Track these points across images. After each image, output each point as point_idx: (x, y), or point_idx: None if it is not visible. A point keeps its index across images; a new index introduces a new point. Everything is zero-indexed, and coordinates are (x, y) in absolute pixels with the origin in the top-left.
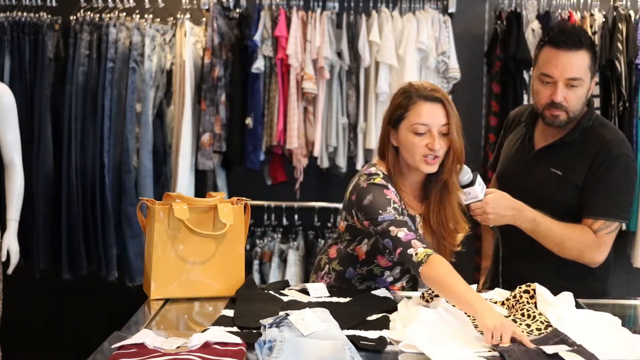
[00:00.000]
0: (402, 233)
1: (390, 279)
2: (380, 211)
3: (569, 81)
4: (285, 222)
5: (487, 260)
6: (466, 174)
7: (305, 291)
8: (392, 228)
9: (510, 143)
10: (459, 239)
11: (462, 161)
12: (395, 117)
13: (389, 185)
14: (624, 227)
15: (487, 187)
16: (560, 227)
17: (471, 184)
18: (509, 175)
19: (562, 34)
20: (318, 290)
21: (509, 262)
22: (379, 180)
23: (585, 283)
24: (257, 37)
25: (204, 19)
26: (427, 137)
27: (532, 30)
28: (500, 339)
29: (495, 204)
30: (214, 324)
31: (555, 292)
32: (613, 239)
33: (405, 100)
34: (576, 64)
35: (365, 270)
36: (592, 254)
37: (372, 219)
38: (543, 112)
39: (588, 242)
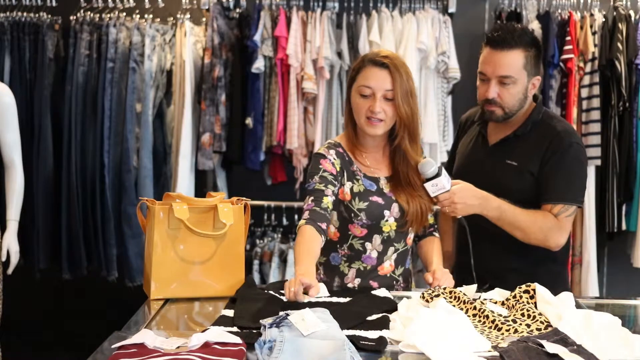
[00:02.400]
0: (306, 203)
1: (374, 253)
2: (309, 180)
3: (501, 79)
4: (285, 222)
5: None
6: (431, 166)
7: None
8: (307, 197)
9: (465, 143)
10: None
11: (411, 128)
12: (350, 79)
13: (330, 153)
14: (623, 227)
15: None
16: (524, 214)
17: (437, 175)
18: (467, 173)
19: (495, 34)
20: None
21: (476, 252)
22: (322, 149)
23: (547, 267)
24: (257, 37)
25: (204, 19)
26: (370, 100)
27: (532, 30)
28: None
29: (463, 194)
30: (214, 324)
31: (520, 279)
32: (571, 222)
33: (359, 63)
34: (507, 62)
35: (346, 248)
36: (555, 237)
37: (304, 188)
38: (482, 107)
39: (550, 225)
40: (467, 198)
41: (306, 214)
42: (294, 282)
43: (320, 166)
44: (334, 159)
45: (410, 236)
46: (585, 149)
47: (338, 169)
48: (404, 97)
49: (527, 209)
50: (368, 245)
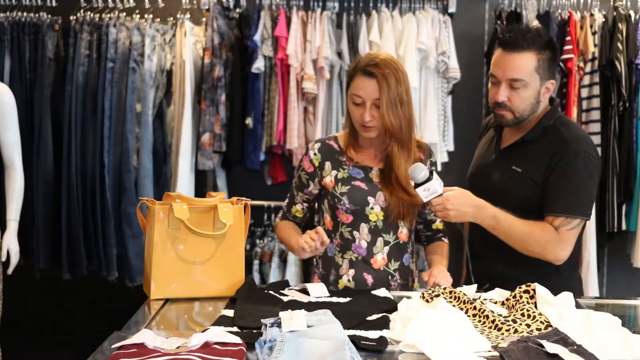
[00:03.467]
0: (286, 201)
1: (364, 243)
2: (294, 174)
3: (511, 82)
4: None
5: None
6: (422, 171)
7: (305, 291)
8: (288, 194)
9: (481, 145)
10: (414, 196)
11: (399, 135)
12: (346, 84)
13: (314, 147)
14: (624, 227)
15: None
16: (521, 224)
17: (428, 179)
18: (477, 175)
19: (507, 35)
20: (318, 290)
21: (476, 260)
22: (311, 143)
23: (549, 281)
24: (257, 37)
25: (204, 19)
26: (362, 108)
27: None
28: None
29: (456, 201)
30: (214, 324)
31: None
32: (576, 236)
33: (352, 70)
34: (518, 65)
35: (338, 237)
36: (554, 251)
37: None
38: (493, 111)
39: (549, 238)
40: (461, 205)
41: (280, 214)
42: (309, 237)
43: (301, 164)
44: (315, 153)
45: (403, 231)
46: (597, 159)
47: (317, 165)
48: (389, 106)
49: (526, 220)
50: (356, 234)
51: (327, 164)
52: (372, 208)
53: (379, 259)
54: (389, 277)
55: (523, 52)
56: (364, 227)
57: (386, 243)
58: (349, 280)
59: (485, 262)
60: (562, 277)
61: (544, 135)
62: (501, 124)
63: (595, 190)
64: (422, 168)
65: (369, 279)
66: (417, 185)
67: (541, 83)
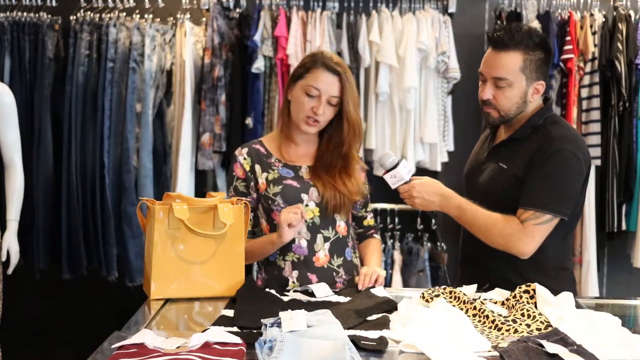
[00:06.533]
0: None
1: (303, 242)
2: (229, 187)
3: (496, 81)
4: None
5: None
6: (389, 157)
7: (308, 293)
8: None
9: (477, 144)
10: (354, 192)
11: (360, 135)
12: (297, 74)
13: (242, 152)
14: (623, 227)
15: None
16: (485, 215)
17: (395, 166)
18: (470, 173)
19: (495, 35)
20: (321, 290)
21: (465, 258)
22: (238, 149)
23: (534, 281)
24: (257, 37)
25: (204, 19)
26: (315, 101)
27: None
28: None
29: (422, 189)
30: (214, 324)
31: (504, 287)
32: (544, 232)
33: (310, 62)
34: (502, 64)
35: None
36: (517, 244)
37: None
38: (482, 109)
39: (512, 231)
40: (426, 193)
41: None
42: (291, 212)
43: (234, 173)
44: (244, 158)
45: (341, 225)
46: (583, 159)
47: (248, 169)
48: (355, 105)
49: (491, 212)
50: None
51: (257, 167)
52: (307, 205)
53: (322, 256)
54: (334, 273)
55: (509, 52)
56: (300, 223)
57: (326, 239)
58: (293, 282)
59: (473, 257)
60: (551, 279)
61: (533, 133)
62: (487, 122)
63: (576, 191)
64: (389, 155)
65: (314, 278)
66: (386, 172)
67: (528, 83)
